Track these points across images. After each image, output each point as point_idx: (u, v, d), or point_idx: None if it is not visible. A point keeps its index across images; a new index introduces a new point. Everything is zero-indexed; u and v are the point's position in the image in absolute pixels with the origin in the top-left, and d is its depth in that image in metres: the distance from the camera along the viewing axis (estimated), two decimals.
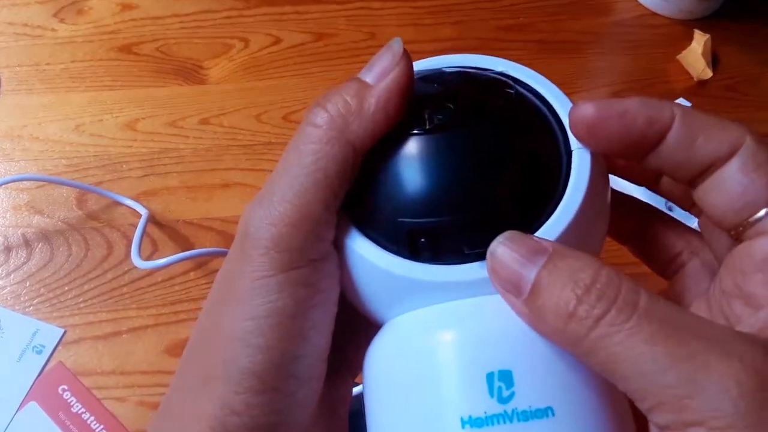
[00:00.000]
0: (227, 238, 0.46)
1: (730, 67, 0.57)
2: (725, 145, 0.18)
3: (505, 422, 0.17)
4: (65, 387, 0.41)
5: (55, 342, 0.42)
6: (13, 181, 0.47)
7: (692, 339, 0.16)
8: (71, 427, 0.39)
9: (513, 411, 0.17)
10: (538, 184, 0.19)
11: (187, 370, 0.21)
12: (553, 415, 0.17)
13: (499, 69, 0.22)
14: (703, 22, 0.60)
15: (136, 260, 0.41)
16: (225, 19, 0.58)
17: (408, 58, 0.20)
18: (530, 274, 0.17)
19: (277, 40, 0.57)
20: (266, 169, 0.50)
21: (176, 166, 0.50)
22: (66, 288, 0.44)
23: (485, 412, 0.17)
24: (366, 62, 0.20)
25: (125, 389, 0.41)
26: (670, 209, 0.28)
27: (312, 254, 0.19)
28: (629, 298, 0.16)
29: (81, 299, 0.44)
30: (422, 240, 0.19)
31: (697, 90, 0.56)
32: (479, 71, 0.22)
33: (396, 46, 0.20)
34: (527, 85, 0.21)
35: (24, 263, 0.45)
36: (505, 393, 0.17)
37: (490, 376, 0.17)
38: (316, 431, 0.20)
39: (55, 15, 0.58)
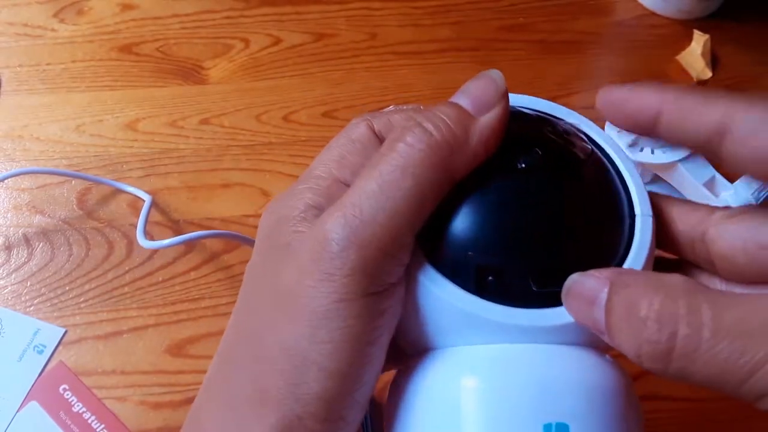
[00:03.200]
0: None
1: (729, 67, 0.57)
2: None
3: None
4: (66, 387, 0.41)
5: (56, 342, 0.42)
6: (15, 175, 0.47)
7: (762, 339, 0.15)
8: (72, 426, 0.39)
9: None
10: (606, 242, 0.20)
11: (233, 382, 0.20)
12: None
13: (570, 120, 0.22)
14: (703, 22, 0.60)
15: (141, 240, 0.41)
16: (225, 20, 0.59)
17: (508, 93, 0.20)
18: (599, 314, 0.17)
19: (277, 41, 0.57)
20: (266, 169, 0.50)
21: (177, 167, 0.50)
22: (67, 288, 0.44)
23: None
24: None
25: (126, 389, 0.41)
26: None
27: (392, 278, 0.19)
28: (693, 321, 0.16)
29: (82, 299, 0.44)
30: (490, 278, 0.19)
31: None
32: (556, 119, 0.22)
33: (499, 79, 0.20)
34: (595, 141, 0.22)
35: (25, 263, 0.45)
36: None
37: (547, 428, 0.17)
38: None
39: (55, 15, 0.58)
